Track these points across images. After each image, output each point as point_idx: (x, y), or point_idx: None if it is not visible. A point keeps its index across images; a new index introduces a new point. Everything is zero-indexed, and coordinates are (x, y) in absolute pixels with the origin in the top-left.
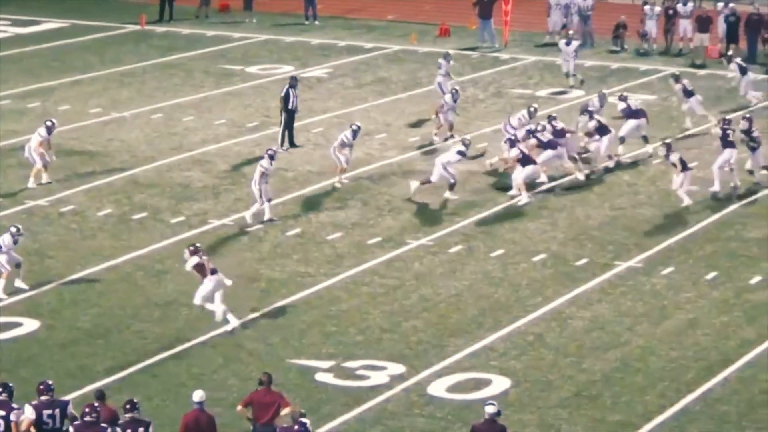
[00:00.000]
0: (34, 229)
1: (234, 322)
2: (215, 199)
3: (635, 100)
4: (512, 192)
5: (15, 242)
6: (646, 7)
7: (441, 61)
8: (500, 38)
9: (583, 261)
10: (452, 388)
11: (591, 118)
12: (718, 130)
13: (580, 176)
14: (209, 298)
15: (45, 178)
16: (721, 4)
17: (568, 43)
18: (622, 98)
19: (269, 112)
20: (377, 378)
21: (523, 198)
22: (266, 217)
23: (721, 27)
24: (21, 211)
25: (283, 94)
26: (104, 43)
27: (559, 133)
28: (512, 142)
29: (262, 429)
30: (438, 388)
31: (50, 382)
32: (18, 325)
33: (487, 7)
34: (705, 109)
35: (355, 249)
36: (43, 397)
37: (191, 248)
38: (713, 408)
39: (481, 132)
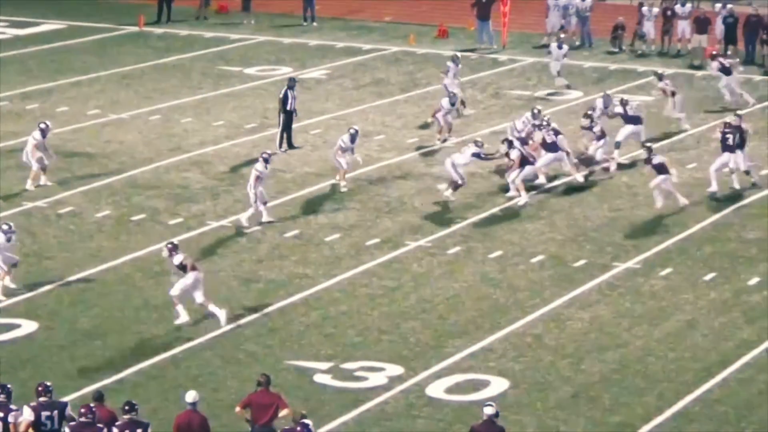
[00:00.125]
0: (32, 230)
1: (184, 317)
2: (213, 201)
3: (633, 105)
4: (510, 193)
5: (8, 240)
6: (644, 8)
7: (449, 63)
8: (498, 39)
9: (582, 262)
10: (451, 390)
11: (592, 122)
12: (717, 134)
13: (579, 178)
14: (188, 293)
15: (43, 180)
16: (719, 5)
17: (559, 47)
18: (623, 103)
19: (267, 114)
20: (376, 379)
21: (522, 198)
22: (264, 219)
23: (719, 28)
24: (20, 213)
25: (281, 96)
26: (102, 45)
27: (557, 133)
28: (510, 143)
29: (260, 430)
30: (437, 390)
31: (49, 384)
32: (16, 326)
33: (485, 8)
34: (682, 111)
35: (353, 250)
36: (41, 399)
37: (170, 246)
38: (712, 409)
39: (479, 133)
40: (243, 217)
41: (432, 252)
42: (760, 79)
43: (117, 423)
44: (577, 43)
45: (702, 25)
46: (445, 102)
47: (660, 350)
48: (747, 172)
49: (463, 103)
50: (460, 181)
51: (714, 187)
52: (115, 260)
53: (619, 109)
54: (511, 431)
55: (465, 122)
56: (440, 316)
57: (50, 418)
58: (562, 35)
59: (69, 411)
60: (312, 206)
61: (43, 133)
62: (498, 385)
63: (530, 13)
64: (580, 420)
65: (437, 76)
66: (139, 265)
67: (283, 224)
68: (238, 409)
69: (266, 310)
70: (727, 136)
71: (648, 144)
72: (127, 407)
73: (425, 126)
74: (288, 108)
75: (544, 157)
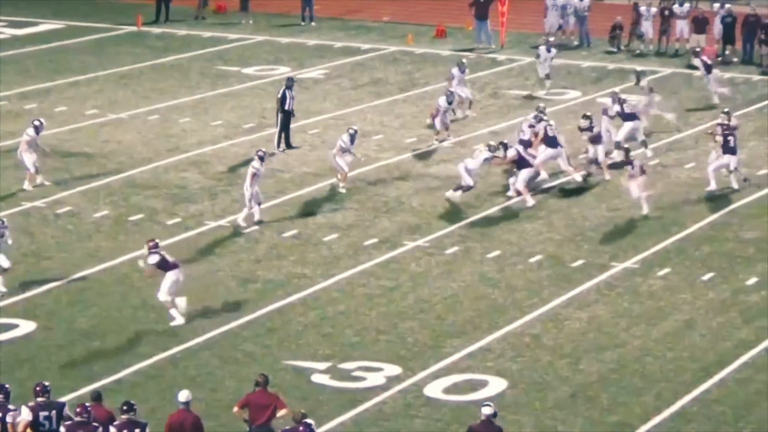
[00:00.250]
0: (30, 230)
1: (180, 319)
2: (212, 201)
3: (630, 102)
4: (510, 193)
5: (1, 235)
6: (642, 8)
7: (454, 71)
8: (497, 39)
9: (580, 262)
10: (449, 390)
11: (591, 123)
12: (719, 138)
13: (578, 177)
14: (174, 292)
15: (39, 180)
16: (717, 5)
17: (548, 50)
18: (620, 101)
19: (266, 114)
20: (374, 379)
21: (528, 202)
22: (255, 218)
23: (717, 28)
24: (18, 213)
25: (279, 96)
26: (101, 45)
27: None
28: (506, 146)
29: (258, 430)
30: (434, 390)
31: (47, 384)
32: (14, 326)
33: (483, 8)
34: (664, 112)
35: (351, 250)
36: (39, 399)
37: (151, 243)
38: (710, 409)
39: (477, 133)
40: (240, 218)
41: (430, 252)
42: (758, 79)
43: (115, 423)
44: (575, 42)
45: (700, 24)
46: (442, 101)
47: (658, 350)
48: (735, 169)
49: (470, 104)
50: (472, 184)
51: (713, 186)
52: (114, 260)
53: (616, 108)
54: (509, 431)
55: (464, 122)
56: (438, 316)
57: (48, 418)
58: (551, 38)
59: (67, 411)
60: (310, 206)
61: (37, 130)
62: (496, 385)
63: (528, 12)
64: (578, 420)
65: (435, 75)
66: (137, 265)
67: (281, 224)
68: (236, 409)
69: (264, 310)
70: (729, 138)
71: (626, 146)
72: (125, 407)
73: (431, 126)
74: (286, 108)
75: (544, 153)
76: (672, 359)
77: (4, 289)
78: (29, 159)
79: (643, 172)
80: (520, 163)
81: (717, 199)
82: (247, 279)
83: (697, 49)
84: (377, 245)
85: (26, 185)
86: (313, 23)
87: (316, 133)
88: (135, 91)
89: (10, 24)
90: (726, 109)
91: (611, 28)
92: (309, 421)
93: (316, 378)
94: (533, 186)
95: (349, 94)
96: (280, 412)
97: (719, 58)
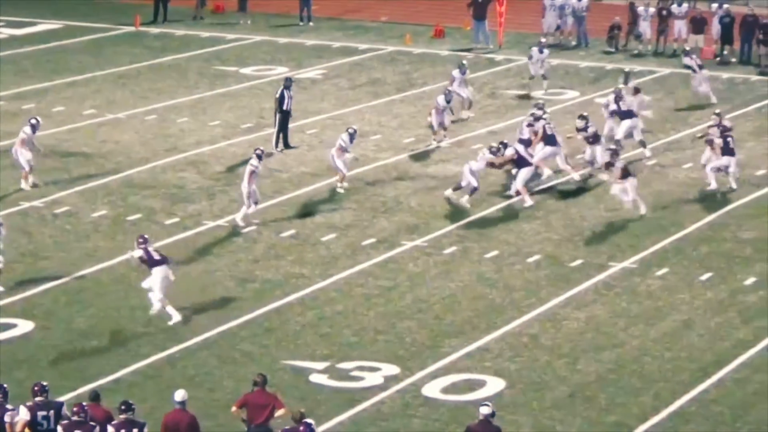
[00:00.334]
0: (28, 230)
1: (176, 317)
2: (210, 201)
3: (627, 100)
4: (510, 192)
5: None
6: (640, 8)
7: (454, 73)
8: (495, 39)
9: (578, 262)
10: (447, 389)
11: (587, 123)
12: (719, 140)
13: (576, 176)
14: (162, 288)
15: (30, 179)
16: (715, 5)
17: (541, 51)
18: (616, 99)
19: (264, 114)
20: (372, 379)
21: (527, 201)
22: (252, 217)
23: (715, 28)
24: (16, 213)
25: (277, 96)
26: (99, 45)
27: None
28: (505, 145)
29: (256, 430)
30: (433, 390)
31: (45, 384)
32: (13, 326)
33: (481, 8)
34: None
35: (349, 250)
36: (37, 399)
37: (140, 239)
38: (708, 409)
39: (475, 133)
40: (238, 217)
41: (428, 252)
42: (757, 79)
43: (113, 422)
44: (573, 43)
45: (698, 25)
46: (440, 99)
47: (656, 350)
48: (719, 169)
49: (469, 105)
50: (476, 185)
51: (714, 185)
52: (112, 260)
53: (612, 107)
54: (507, 431)
55: (462, 122)
56: (436, 316)
57: (46, 417)
58: (543, 39)
59: (65, 411)
60: (308, 206)
61: (33, 128)
62: (494, 384)
63: (526, 13)
64: (576, 420)
65: (433, 76)
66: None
67: (280, 224)
68: (234, 408)
69: (262, 310)
70: (728, 139)
71: (613, 147)
72: (123, 407)
73: (431, 126)
74: (284, 108)
75: (542, 151)
76: (670, 359)
77: (0, 288)
78: (24, 157)
79: (626, 174)
80: (519, 162)
81: (715, 199)
82: (246, 279)
83: (687, 48)
84: (375, 245)
85: (23, 185)
86: (311, 23)
87: (314, 133)
88: (133, 91)
89: (8, 24)
90: (717, 111)
91: (609, 29)
92: (309, 421)
93: (315, 378)
94: (532, 185)
95: (347, 94)
96: (278, 412)
97: (717, 58)
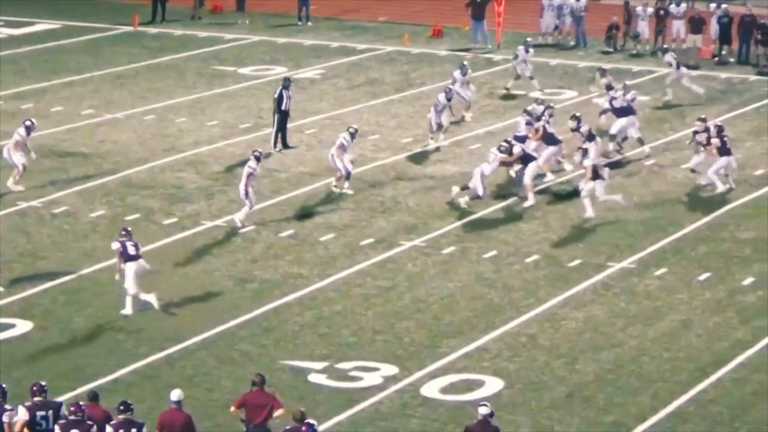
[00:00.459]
0: (27, 230)
1: (129, 309)
2: (208, 201)
3: (622, 98)
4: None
5: None
6: (638, 8)
7: (456, 74)
8: (493, 39)
9: (576, 262)
10: (445, 389)
11: (579, 123)
12: (716, 140)
13: (567, 166)
14: (139, 283)
15: (17, 182)
16: (713, 5)
17: (527, 50)
18: (610, 99)
19: (262, 114)
20: (370, 379)
21: (529, 200)
22: (240, 218)
23: (714, 28)
24: (14, 213)
25: (276, 96)
26: (97, 45)
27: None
28: (510, 143)
29: (254, 430)
30: (431, 389)
31: (43, 384)
32: (11, 326)
33: (479, 8)
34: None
35: (347, 250)
36: (36, 399)
37: (122, 232)
38: (706, 409)
39: (473, 133)
40: (237, 218)
41: (426, 252)
42: (755, 79)
43: (112, 422)
44: (572, 43)
45: (697, 25)
46: (441, 97)
47: (654, 350)
48: (693, 171)
49: (467, 107)
50: (481, 194)
51: (720, 188)
52: (110, 260)
53: (606, 106)
54: (506, 431)
55: (461, 122)
56: (435, 316)
57: (45, 417)
58: (528, 39)
59: (64, 411)
60: (307, 206)
61: (28, 130)
62: (492, 384)
63: (525, 13)
64: (574, 420)
65: (432, 76)
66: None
67: (278, 224)
68: (232, 408)
69: (261, 310)
70: (725, 139)
71: (584, 147)
72: (122, 407)
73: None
74: (283, 108)
75: (546, 152)
76: (668, 359)
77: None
78: (19, 159)
79: (596, 176)
80: (525, 158)
81: (713, 200)
82: (244, 279)
83: (666, 46)
84: (374, 245)
85: (10, 182)
86: (309, 23)
87: (313, 133)
88: (131, 91)
89: (7, 24)
90: (702, 116)
91: (607, 29)
92: (312, 421)
93: (313, 378)
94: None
95: (346, 94)
96: (277, 412)
97: (715, 58)
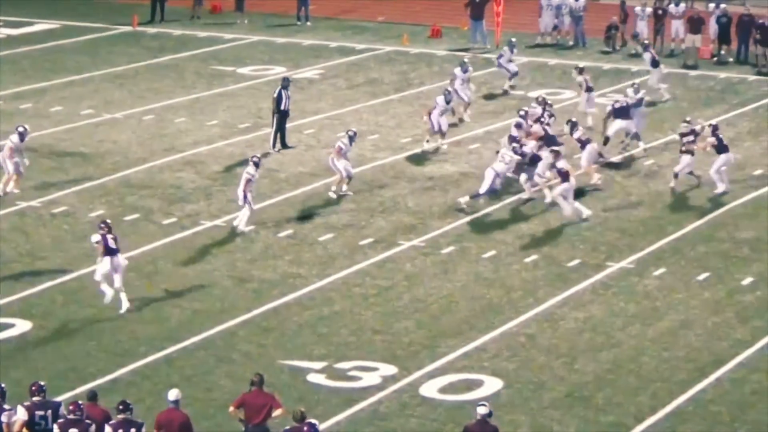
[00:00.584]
0: (26, 230)
1: (125, 304)
2: (207, 200)
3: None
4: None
5: None
6: (637, 8)
7: (456, 71)
8: (492, 39)
9: (575, 262)
10: (444, 389)
11: (574, 128)
12: (712, 139)
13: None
14: (108, 277)
15: (11, 186)
16: (712, 5)
17: (512, 50)
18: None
19: (261, 114)
20: (369, 379)
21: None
22: (240, 223)
23: (712, 28)
24: (13, 213)
25: (275, 95)
26: (96, 45)
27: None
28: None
29: (253, 430)
30: (430, 389)
31: (42, 383)
32: (10, 326)
33: (478, 8)
34: (592, 108)
35: (347, 250)
36: (35, 398)
37: (101, 224)
38: (705, 409)
39: (472, 133)
40: (238, 225)
41: (425, 252)
42: (754, 79)
43: (110, 422)
44: (571, 43)
45: (696, 24)
46: (440, 99)
47: (653, 350)
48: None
49: (466, 108)
50: (483, 191)
51: (720, 188)
52: None
53: (608, 108)
54: (505, 431)
55: (461, 122)
56: (434, 315)
57: (44, 417)
58: (513, 39)
59: (63, 410)
60: (306, 206)
61: (21, 136)
62: (491, 384)
63: (524, 12)
64: (573, 420)
65: (430, 75)
66: (133, 264)
67: (277, 224)
68: (231, 408)
69: (260, 310)
70: (720, 137)
71: (556, 149)
72: (121, 407)
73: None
74: (282, 108)
75: (585, 152)
76: (667, 359)
77: None
78: (12, 166)
79: (564, 178)
80: (533, 157)
81: (712, 199)
82: (243, 279)
83: (646, 42)
84: (373, 245)
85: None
86: (308, 23)
87: (312, 133)
88: (130, 91)
89: (6, 24)
90: (687, 119)
91: (606, 28)
92: (313, 421)
93: (312, 378)
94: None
95: (345, 94)
96: (276, 412)
97: (714, 58)
